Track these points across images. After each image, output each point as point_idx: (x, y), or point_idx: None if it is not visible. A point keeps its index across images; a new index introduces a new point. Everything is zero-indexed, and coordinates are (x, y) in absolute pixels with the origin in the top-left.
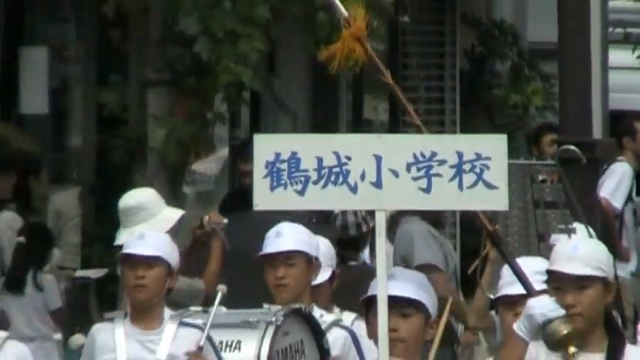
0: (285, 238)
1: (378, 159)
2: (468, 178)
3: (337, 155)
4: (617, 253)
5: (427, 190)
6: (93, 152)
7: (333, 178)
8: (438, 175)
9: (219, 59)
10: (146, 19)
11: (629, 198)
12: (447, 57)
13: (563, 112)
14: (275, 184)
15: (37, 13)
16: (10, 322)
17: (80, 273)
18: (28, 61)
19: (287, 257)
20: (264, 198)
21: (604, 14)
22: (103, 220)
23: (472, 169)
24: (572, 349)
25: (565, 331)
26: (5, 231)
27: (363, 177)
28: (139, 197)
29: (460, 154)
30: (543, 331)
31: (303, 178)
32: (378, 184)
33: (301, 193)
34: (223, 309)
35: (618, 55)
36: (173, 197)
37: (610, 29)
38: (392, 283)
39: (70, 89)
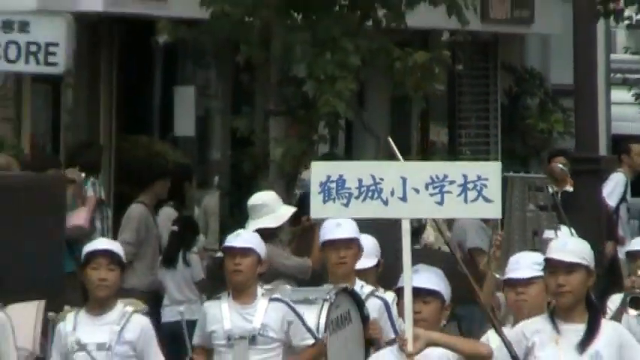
0: (344, 228)
1: (404, 180)
2: (472, 194)
3: (373, 177)
4: (615, 239)
5: (441, 203)
6: (228, 164)
7: (370, 194)
8: (449, 192)
9: (321, 95)
10: (268, 66)
11: (624, 198)
12: (491, 95)
13: (577, 136)
14: (326, 198)
15: (187, 61)
16: (165, 289)
17: (219, 254)
18: (180, 97)
19: (347, 242)
20: (318, 209)
21: (607, 63)
22: (235, 215)
23: (474, 187)
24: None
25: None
26: (165, 222)
27: (392, 193)
28: (263, 197)
29: (465, 176)
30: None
31: (347, 194)
32: (404, 198)
33: (346, 205)
34: (288, 288)
35: (618, 94)
36: (288, 198)
37: (612, 74)
38: (416, 276)
39: (211, 117)
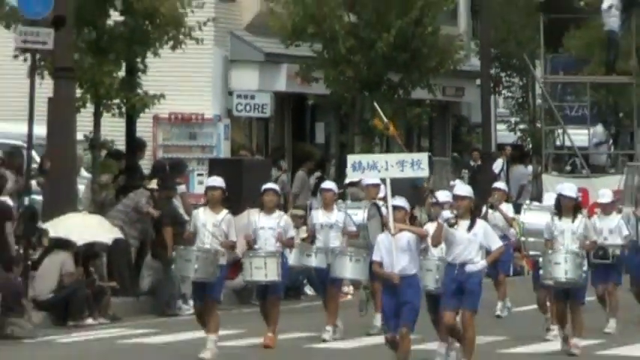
0: (374, 180)
1: (387, 162)
2: (416, 165)
3: (374, 161)
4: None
5: (402, 170)
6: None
7: (373, 165)
8: (409, 164)
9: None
10: (354, 116)
11: (502, 170)
12: (446, 127)
13: (484, 142)
14: (356, 170)
15: (321, 111)
16: None
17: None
18: (319, 128)
19: (376, 185)
20: (351, 176)
21: (495, 112)
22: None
23: (416, 162)
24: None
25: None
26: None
27: (386, 168)
28: None
29: (414, 158)
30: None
31: (363, 167)
32: (387, 170)
33: (362, 172)
34: (348, 202)
35: (500, 125)
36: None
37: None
38: (393, 200)
39: (330, 136)
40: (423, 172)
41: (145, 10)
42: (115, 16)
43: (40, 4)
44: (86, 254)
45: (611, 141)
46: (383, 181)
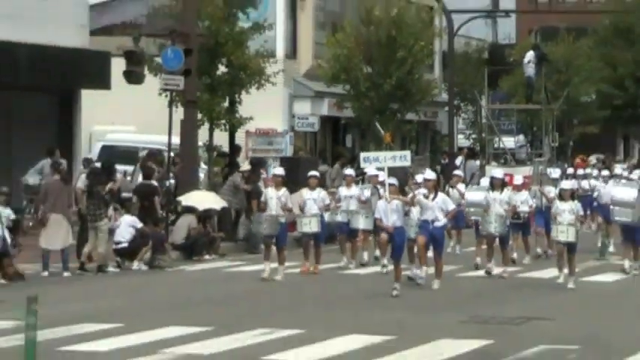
0: (380, 172)
1: (385, 156)
2: (402, 158)
3: (377, 156)
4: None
5: (394, 161)
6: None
7: (374, 159)
8: (397, 158)
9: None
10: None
11: (461, 163)
12: (421, 137)
13: (450, 146)
14: (365, 162)
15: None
16: None
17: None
18: (348, 137)
19: (376, 175)
20: (365, 166)
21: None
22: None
23: (402, 156)
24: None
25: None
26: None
27: (385, 160)
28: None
29: (400, 154)
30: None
31: (371, 160)
32: (384, 161)
33: (370, 163)
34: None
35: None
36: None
37: None
38: (389, 179)
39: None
40: (407, 162)
41: (240, 64)
42: (221, 69)
43: (175, 62)
44: (204, 216)
45: (528, 145)
46: (382, 169)
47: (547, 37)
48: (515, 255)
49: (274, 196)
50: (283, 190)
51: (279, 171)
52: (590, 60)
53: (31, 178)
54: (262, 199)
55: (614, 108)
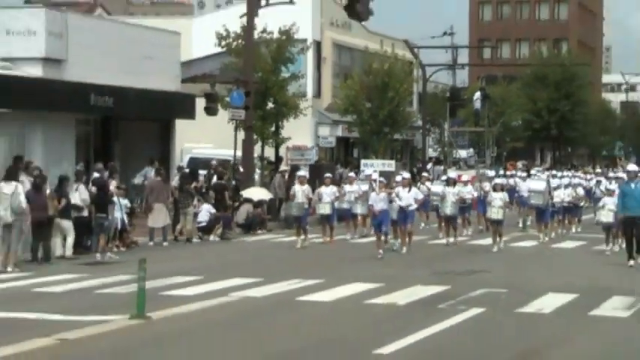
0: (378, 176)
1: (380, 162)
2: (391, 164)
3: (372, 163)
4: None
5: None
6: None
7: (372, 165)
8: (386, 165)
9: None
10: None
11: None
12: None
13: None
14: (364, 169)
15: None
16: None
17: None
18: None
19: (370, 175)
20: (366, 170)
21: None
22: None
23: (388, 164)
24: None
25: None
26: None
27: (378, 166)
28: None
29: (389, 162)
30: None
31: (369, 165)
32: (378, 167)
33: (367, 168)
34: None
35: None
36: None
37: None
38: (380, 178)
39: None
40: (392, 168)
41: (282, 102)
42: (269, 105)
43: (239, 100)
44: (258, 204)
45: (475, 155)
46: (375, 172)
47: (489, 82)
48: (465, 231)
49: (300, 190)
50: (306, 186)
51: (303, 173)
52: (518, 97)
53: (137, 180)
54: (291, 192)
55: (534, 130)
